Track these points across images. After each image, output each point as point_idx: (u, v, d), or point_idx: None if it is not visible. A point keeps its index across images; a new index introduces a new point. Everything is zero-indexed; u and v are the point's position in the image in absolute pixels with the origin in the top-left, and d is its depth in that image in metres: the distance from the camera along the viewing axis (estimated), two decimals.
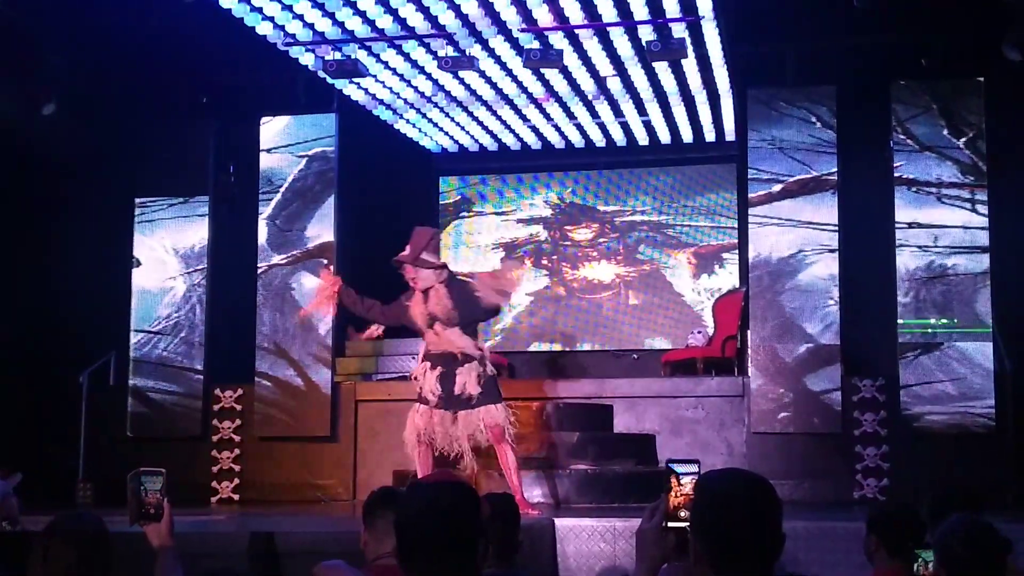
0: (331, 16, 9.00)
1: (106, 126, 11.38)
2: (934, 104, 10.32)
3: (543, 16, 8.87)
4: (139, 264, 11.33)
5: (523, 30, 9.07)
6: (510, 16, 8.86)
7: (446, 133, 12.02)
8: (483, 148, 12.47)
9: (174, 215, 11.38)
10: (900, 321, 10.12)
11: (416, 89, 10.57)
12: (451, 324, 7.48)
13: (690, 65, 9.89)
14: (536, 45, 9.23)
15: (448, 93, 10.70)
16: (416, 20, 8.99)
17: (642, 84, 10.39)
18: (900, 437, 9.94)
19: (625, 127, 11.72)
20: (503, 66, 9.94)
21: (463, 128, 11.84)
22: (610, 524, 6.61)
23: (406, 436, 7.50)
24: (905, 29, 10.11)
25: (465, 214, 12.80)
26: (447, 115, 11.40)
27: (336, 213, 11.10)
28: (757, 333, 10.40)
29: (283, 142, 11.29)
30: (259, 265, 11.12)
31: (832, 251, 10.37)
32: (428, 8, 8.78)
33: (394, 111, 11.21)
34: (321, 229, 11.09)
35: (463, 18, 8.92)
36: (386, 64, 9.93)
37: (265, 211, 11.21)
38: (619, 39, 9.40)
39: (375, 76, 10.12)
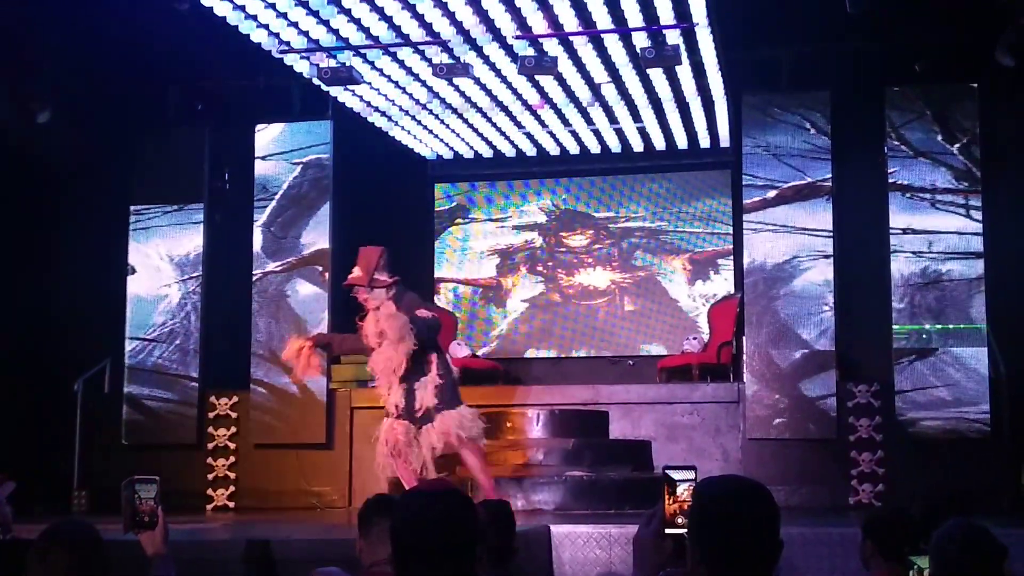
0: (326, 23, 9.00)
1: (101, 133, 11.38)
2: (928, 110, 10.35)
3: (538, 23, 8.87)
4: (133, 271, 11.32)
5: (518, 37, 9.07)
6: (505, 23, 8.86)
7: (441, 140, 12.02)
8: (478, 155, 12.47)
9: (169, 222, 11.37)
10: (895, 327, 10.13)
11: (411, 96, 10.56)
12: (401, 340, 7.61)
13: (684, 71, 9.89)
14: (531, 52, 9.22)
15: (443, 100, 10.70)
16: (411, 27, 8.99)
17: (636, 90, 10.40)
18: (895, 442, 9.95)
19: (620, 133, 11.72)
20: (498, 73, 9.94)
21: (458, 135, 11.84)
22: (606, 531, 6.60)
23: (379, 451, 7.68)
24: (899, 35, 10.13)
25: (460, 221, 12.80)
26: (442, 122, 11.40)
27: (331, 220, 11.10)
28: (752, 339, 10.41)
29: (278, 149, 11.29)
30: (254, 272, 11.11)
31: (827, 257, 10.38)
32: (423, 15, 8.78)
33: (389, 118, 11.20)
34: (316, 236, 11.09)
35: (458, 25, 8.92)
36: (381, 71, 9.92)
37: (260, 218, 11.21)
38: (613, 46, 9.40)
39: (370, 83, 10.12)
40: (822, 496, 9.92)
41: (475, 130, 11.68)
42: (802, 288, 10.40)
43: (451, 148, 12.29)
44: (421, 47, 9.38)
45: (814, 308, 10.34)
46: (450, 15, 8.78)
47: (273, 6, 8.74)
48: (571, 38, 9.17)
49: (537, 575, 6.33)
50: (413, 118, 11.25)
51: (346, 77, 9.48)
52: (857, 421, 10.07)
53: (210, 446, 10.96)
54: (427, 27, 8.96)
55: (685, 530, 2.42)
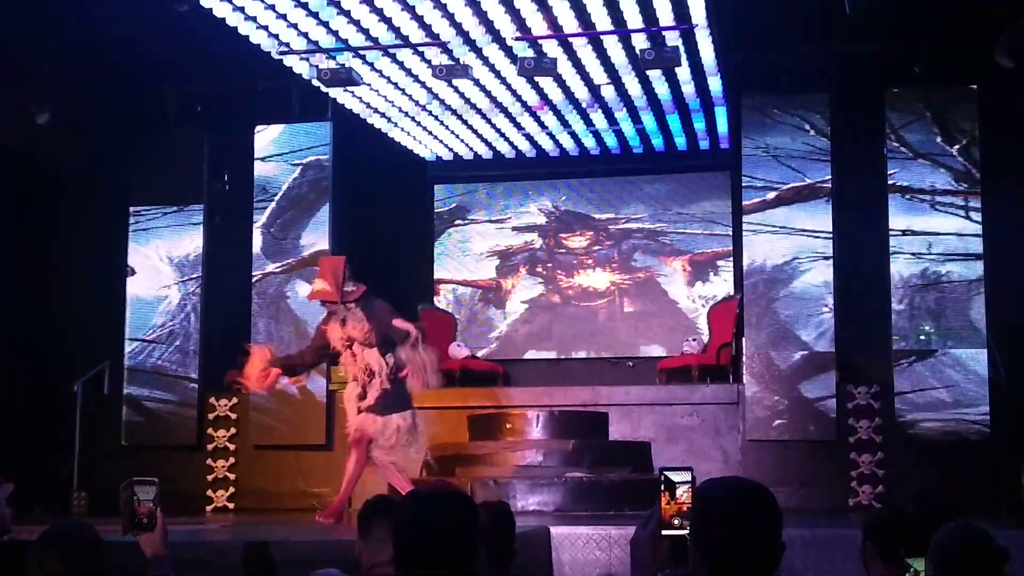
0: (325, 25, 9.00)
1: (101, 135, 11.39)
2: (927, 111, 10.35)
3: (537, 24, 8.88)
4: (132, 272, 11.31)
5: (517, 38, 9.07)
6: (504, 24, 8.87)
7: (440, 141, 12.02)
8: (478, 156, 12.46)
9: (168, 224, 11.37)
10: (894, 328, 10.13)
11: (411, 97, 10.56)
12: (369, 345, 7.94)
13: (684, 73, 9.89)
14: (530, 53, 9.23)
15: (442, 101, 10.70)
16: (410, 29, 8.99)
17: (636, 92, 10.40)
18: (895, 444, 9.95)
19: (619, 135, 11.72)
20: (497, 74, 9.94)
21: (457, 136, 11.84)
22: (605, 532, 6.60)
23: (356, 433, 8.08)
24: (898, 37, 10.13)
25: (460, 222, 12.79)
26: (441, 123, 11.40)
27: (331, 221, 11.10)
28: (752, 340, 10.41)
29: (277, 151, 11.30)
30: (254, 273, 11.12)
31: (826, 258, 10.39)
32: (422, 17, 8.78)
33: (388, 119, 11.20)
34: (316, 237, 11.10)
35: (457, 26, 8.92)
36: (380, 72, 9.92)
37: (260, 220, 11.21)
38: (613, 47, 9.40)
39: (369, 84, 10.12)
40: (821, 497, 9.91)
41: (475, 131, 11.68)
42: (802, 289, 10.41)
43: (451, 149, 12.29)
44: (420, 48, 9.38)
45: (813, 309, 10.34)
46: (449, 16, 8.78)
47: (272, 7, 8.75)
48: (571, 39, 9.17)
49: None
50: (413, 119, 11.25)
51: (345, 78, 9.48)
52: (857, 422, 10.07)
53: (210, 447, 10.96)
54: (427, 28, 8.96)
55: (682, 531, 2.42)
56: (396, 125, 11.41)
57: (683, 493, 2.47)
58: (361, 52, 9.45)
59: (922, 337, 10.11)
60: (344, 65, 9.47)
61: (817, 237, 10.43)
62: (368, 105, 10.76)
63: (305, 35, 9.17)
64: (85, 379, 10.86)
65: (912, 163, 10.31)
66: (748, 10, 9.53)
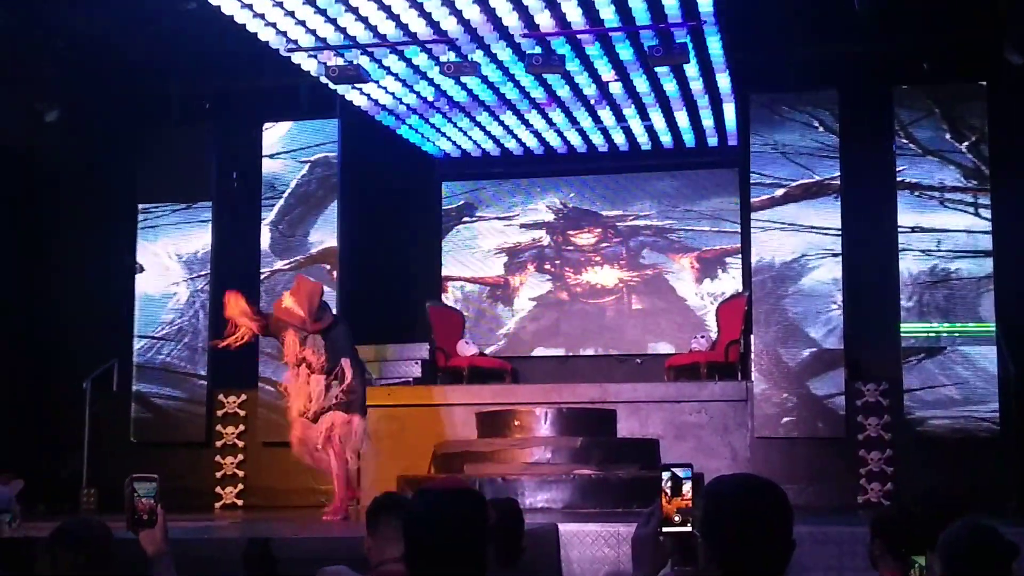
0: (333, 22, 9.00)
1: (109, 132, 11.41)
2: (936, 108, 10.32)
3: (545, 21, 8.87)
4: (142, 270, 11.32)
5: (525, 35, 9.07)
6: (512, 21, 8.86)
7: (448, 138, 12.02)
8: (486, 153, 12.46)
9: (177, 221, 11.39)
10: (903, 325, 10.11)
11: (418, 94, 10.56)
12: (318, 373, 8.19)
13: (692, 70, 9.88)
14: (538, 50, 9.22)
15: (450, 98, 10.70)
16: (418, 26, 8.99)
17: (644, 89, 10.39)
18: (904, 441, 9.93)
19: (627, 132, 11.71)
20: (505, 71, 9.94)
21: (465, 133, 11.84)
22: (614, 529, 6.59)
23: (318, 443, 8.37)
24: (907, 33, 10.11)
25: (468, 219, 12.79)
26: (450, 120, 11.40)
27: (339, 218, 11.11)
28: (760, 337, 10.40)
29: (286, 148, 11.30)
30: (262, 270, 11.13)
31: (835, 255, 10.37)
32: (430, 14, 8.78)
33: (397, 116, 11.20)
34: (324, 235, 11.11)
35: (465, 24, 8.92)
36: (388, 70, 9.92)
37: (268, 217, 11.23)
38: (621, 44, 9.39)
39: (377, 82, 10.12)
40: (830, 495, 9.89)
41: (483, 128, 11.67)
42: (810, 286, 10.39)
43: (458, 146, 12.29)
44: (429, 45, 9.38)
45: (822, 306, 10.32)
46: (457, 13, 8.78)
47: (280, 4, 8.75)
48: (578, 36, 9.16)
49: (545, 573, 6.33)
50: (421, 116, 11.25)
51: (354, 75, 9.48)
52: (866, 420, 10.05)
53: (218, 444, 10.98)
54: (435, 26, 8.96)
55: (684, 528, 2.43)
56: (404, 122, 11.41)
57: (685, 490, 2.47)
58: (369, 49, 9.45)
59: (931, 334, 10.09)
60: (352, 62, 9.47)
61: (826, 234, 10.41)
62: (376, 102, 10.76)
63: (313, 32, 9.18)
64: (94, 376, 10.87)
65: (921, 160, 10.29)
66: (757, 7, 9.52)
